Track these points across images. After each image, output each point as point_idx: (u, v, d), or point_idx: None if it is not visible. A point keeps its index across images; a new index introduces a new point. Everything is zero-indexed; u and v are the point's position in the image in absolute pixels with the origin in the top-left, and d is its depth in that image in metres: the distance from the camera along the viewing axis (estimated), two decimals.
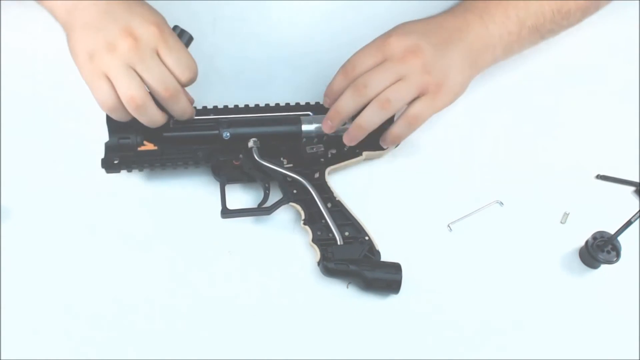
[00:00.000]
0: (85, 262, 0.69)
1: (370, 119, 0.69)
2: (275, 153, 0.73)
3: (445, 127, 0.80)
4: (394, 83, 0.68)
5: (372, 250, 0.69)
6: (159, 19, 0.67)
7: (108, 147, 0.72)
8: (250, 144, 0.73)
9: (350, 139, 0.72)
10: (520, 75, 0.85)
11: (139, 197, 0.74)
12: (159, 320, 0.67)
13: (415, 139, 0.77)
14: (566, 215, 0.75)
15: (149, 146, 0.72)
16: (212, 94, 0.78)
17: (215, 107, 0.75)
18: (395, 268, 0.68)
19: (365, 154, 0.75)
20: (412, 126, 0.71)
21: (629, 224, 0.67)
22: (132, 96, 0.64)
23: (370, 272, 0.67)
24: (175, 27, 0.69)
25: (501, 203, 0.75)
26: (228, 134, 0.73)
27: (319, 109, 0.76)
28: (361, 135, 0.71)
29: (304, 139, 0.74)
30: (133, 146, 0.71)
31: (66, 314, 0.66)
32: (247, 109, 0.75)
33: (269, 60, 0.84)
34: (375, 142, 0.75)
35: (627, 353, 0.67)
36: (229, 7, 0.87)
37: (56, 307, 0.67)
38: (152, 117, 0.67)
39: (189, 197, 0.74)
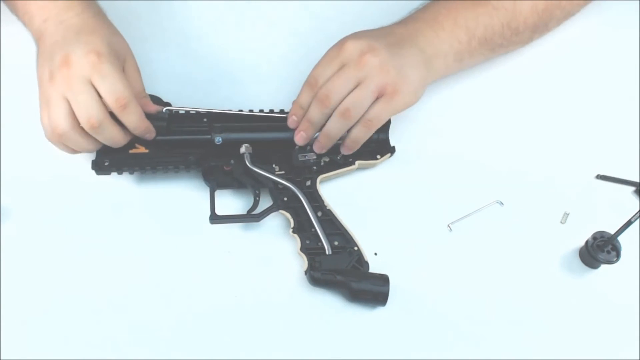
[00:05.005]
0: (83, 263, 0.69)
1: (335, 128, 0.71)
2: (267, 160, 0.73)
3: (445, 128, 0.80)
4: (354, 88, 0.68)
5: (360, 261, 0.68)
6: (104, 48, 0.65)
7: (99, 148, 0.71)
8: (243, 149, 0.72)
9: (320, 148, 0.73)
10: (520, 75, 0.85)
11: (129, 199, 0.73)
12: (154, 320, 0.67)
13: (412, 144, 0.77)
14: (566, 215, 0.74)
15: (140, 149, 0.72)
16: (204, 96, 0.78)
17: (208, 112, 0.74)
18: (383, 280, 0.67)
19: (358, 163, 0.75)
20: (370, 129, 0.71)
21: (629, 224, 0.67)
22: (55, 126, 0.66)
23: (357, 283, 0.66)
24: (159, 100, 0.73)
25: (501, 203, 0.75)
26: (220, 139, 0.72)
27: None
28: (329, 144, 0.72)
29: (297, 147, 0.73)
30: (124, 149, 0.71)
31: (65, 313, 0.67)
32: (240, 114, 0.74)
33: (262, 65, 0.83)
34: (368, 151, 0.75)
35: (627, 353, 0.66)
36: (228, 10, 0.87)
37: (55, 307, 0.67)
38: (76, 146, 0.68)
39: (179, 201, 0.74)
